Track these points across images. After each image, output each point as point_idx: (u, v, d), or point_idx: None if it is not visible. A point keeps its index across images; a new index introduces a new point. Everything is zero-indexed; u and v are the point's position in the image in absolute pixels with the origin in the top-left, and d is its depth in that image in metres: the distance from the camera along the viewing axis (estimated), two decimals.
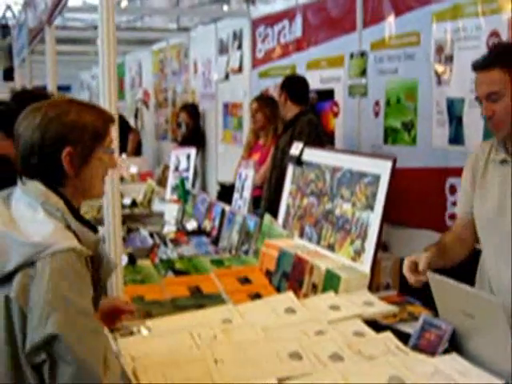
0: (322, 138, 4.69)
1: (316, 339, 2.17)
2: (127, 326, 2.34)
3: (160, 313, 2.62)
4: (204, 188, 8.31)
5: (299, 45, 5.93)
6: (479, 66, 2.45)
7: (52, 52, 4.28)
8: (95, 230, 1.87)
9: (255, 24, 6.82)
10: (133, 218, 4.94)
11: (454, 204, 4.05)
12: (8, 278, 1.65)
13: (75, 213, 1.83)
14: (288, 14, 6.07)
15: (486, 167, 2.58)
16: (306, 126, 4.65)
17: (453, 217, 4.05)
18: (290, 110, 4.83)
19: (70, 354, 1.56)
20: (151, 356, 2.04)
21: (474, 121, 3.88)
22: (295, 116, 4.78)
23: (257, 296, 2.90)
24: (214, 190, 7.64)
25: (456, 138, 4.09)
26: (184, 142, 7.73)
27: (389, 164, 2.78)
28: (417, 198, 4.41)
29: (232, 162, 6.43)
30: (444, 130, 4.19)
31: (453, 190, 4.12)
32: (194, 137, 8.08)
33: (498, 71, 2.37)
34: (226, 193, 5.51)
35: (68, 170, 1.81)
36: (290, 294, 2.67)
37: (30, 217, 1.74)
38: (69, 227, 1.74)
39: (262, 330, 2.24)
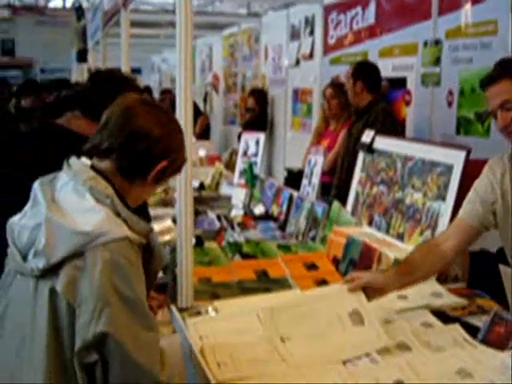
0: (396, 127, 4.64)
1: (384, 328, 2.16)
2: (195, 307, 2.38)
3: (227, 294, 2.65)
4: (270, 174, 8.33)
5: (372, 32, 5.87)
6: (487, 82, 2.53)
7: (127, 35, 4.33)
8: (148, 220, 1.86)
9: (327, 10, 6.78)
10: (201, 200, 4.98)
11: None
12: (54, 270, 1.59)
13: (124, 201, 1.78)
14: (361, 1, 6.01)
15: (503, 177, 2.55)
16: (380, 114, 4.62)
17: None
18: (363, 98, 4.79)
19: (126, 353, 1.53)
20: (218, 336, 2.07)
21: None
22: (368, 104, 4.75)
23: (323, 282, 2.90)
24: (280, 175, 7.64)
25: None
26: (247, 127, 7.73)
27: (462, 154, 2.75)
28: None
29: (300, 148, 6.42)
30: None
31: None
32: (258, 122, 8.06)
33: (507, 81, 2.44)
34: (294, 179, 5.50)
35: (149, 178, 1.81)
36: None
37: (77, 203, 1.68)
38: (118, 215, 1.69)
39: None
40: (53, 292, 1.58)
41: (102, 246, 1.58)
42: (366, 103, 4.76)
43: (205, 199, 5.11)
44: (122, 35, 4.34)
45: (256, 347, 1.97)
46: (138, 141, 1.77)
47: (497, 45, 4.29)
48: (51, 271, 1.59)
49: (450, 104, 4.79)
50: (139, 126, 1.78)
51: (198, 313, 2.34)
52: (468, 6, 4.55)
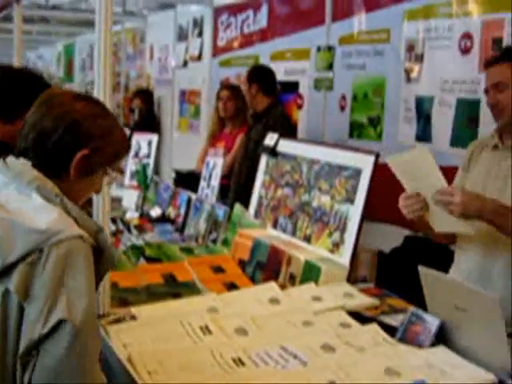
0: (294, 131, 4.71)
1: (304, 330, 2.18)
2: (112, 313, 2.31)
3: (136, 300, 2.59)
4: (157, 175, 8.24)
5: (264, 35, 5.94)
6: (491, 62, 2.71)
7: (19, 30, 4.17)
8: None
9: (217, 12, 6.80)
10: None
11: None
12: (8, 271, 1.51)
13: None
14: (253, 4, 6.06)
15: (480, 154, 2.80)
16: (279, 117, 4.66)
17: None
18: (260, 102, 4.83)
19: (79, 340, 1.46)
20: (143, 344, 2.03)
21: (442, 119, 3.95)
22: (266, 108, 4.79)
23: (232, 285, 2.89)
24: (167, 176, 7.58)
25: (423, 135, 4.16)
26: (136, 128, 7.62)
27: (371, 159, 2.82)
28: (381, 193, 4.45)
29: (187, 149, 6.40)
30: (411, 126, 4.26)
31: None
32: (147, 123, 7.97)
33: (506, 65, 2.63)
34: (183, 180, 5.48)
35: (71, 170, 1.70)
36: (273, 284, 2.68)
37: (25, 203, 1.60)
38: (68, 213, 1.63)
39: (251, 320, 2.24)
40: (6, 294, 1.51)
41: (56, 243, 1.51)
42: (264, 107, 4.80)
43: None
44: (14, 31, 4.17)
45: (184, 355, 1.94)
46: (50, 132, 1.69)
47: (389, 52, 4.45)
48: (5, 273, 1.51)
49: (342, 108, 4.91)
50: (52, 116, 1.70)
51: (117, 320, 2.28)
52: (362, 14, 4.69)
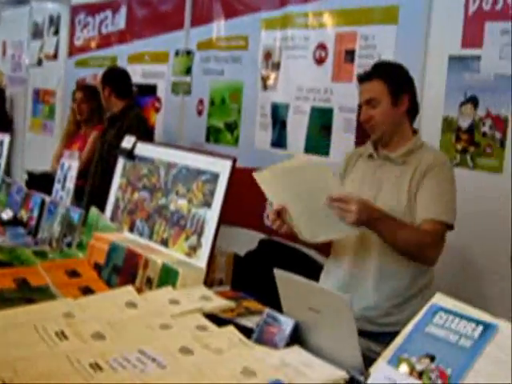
0: (150, 134, 4.69)
1: (162, 333, 2.19)
2: None
3: None
4: (8, 176, 7.94)
5: (122, 37, 5.88)
6: (363, 78, 2.89)
7: None
8: None
9: (74, 11, 6.66)
10: None
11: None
12: None
13: None
14: (112, 5, 5.99)
15: (355, 163, 3.03)
16: (134, 120, 4.63)
17: None
18: (115, 105, 4.78)
19: None
20: None
21: (297, 126, 4.07)
22: (122, 110, 4.74)
23: (88, 290, 2.85)
24: (19, 178, 7.33)
25: (279, 141, 4.27)
26: None
27: (229, 163, 2.86)
28: (238, 198, 4.53)
29: (40, 150, 6.23)
30: (267, 133, 4.36)
31: None
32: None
33: (378, 82, 2.83)
34: (36, 182, 5.32)
35: None
36: (130, 288, 2.66)
37: None
38: None
39: (108, 325, 2.22)
40: None
41: None
42: (119, 109, 4.75)
43: None
44: None
45: (40, 363, 1.90)
46: None
47: (247, 59, 4.53)
48: None
49: (200, 113, 4.95)
50: None
51: None
52: (221, 20, 4.74)
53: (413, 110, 2.97)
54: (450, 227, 2.82)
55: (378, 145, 2.94)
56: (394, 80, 2.86)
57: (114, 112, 4.77)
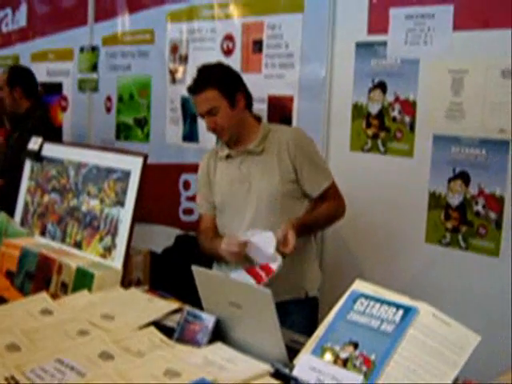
0: (56, 134, 4.55)
1: (81, 339, 2.12)
2: None
3: None
4: None
5: (24, 35, 5.70)
6: (194, 90, 2.96)
7: None
8: None
9: None
10: None
11: (189, 199, 4.19)
12: None
13: None
14: (12, 2, 5.80)
15: (216, 165, 3.13)
16: (39, 121, 4.48)
17: (188, 212, 4.18)
18: (21, 105, 4.61)
19: None
20: None
21: None
22: (27, 111, 4.58)
23: (0, 299, 2.74)
24: None
25: (190, 135, 4.22)
26: None
27: (140, 160, 2.79)
28: (151, 194, 4.46)
29: None
30: (178, 127, 4.31)
31: (187, 185, 4.24)
32: None
33: (211, 91, 2.90)
34: None
35: None
36: (44, 295, 2.57)
37: None
38: None
39: (23, 335, 2.13)
40: None
41: None
42: (24, 110, 4.60)
43: None
44: None
45: None
46: None
47: (154, 53, 4.46)
48: None
49: (108, 110, 4.85)
50: None
51: None
52: (125, 15, 4.65)
53: (248, 103, 3.07)
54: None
55: (231, 145, 3.06)
56: (224, 83, 2.95)
57: (19, 113, 4.61)
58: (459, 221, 3.22)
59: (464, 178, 3.21)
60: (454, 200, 3.23)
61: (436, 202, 3.29)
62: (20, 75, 4.74)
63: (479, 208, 3.14)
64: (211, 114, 2.93)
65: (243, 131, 3.03)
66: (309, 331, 2.04)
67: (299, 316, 2.95)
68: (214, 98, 2.90)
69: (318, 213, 3.03)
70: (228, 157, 3.08)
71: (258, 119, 3.12)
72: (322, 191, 3.03)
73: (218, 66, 3.11)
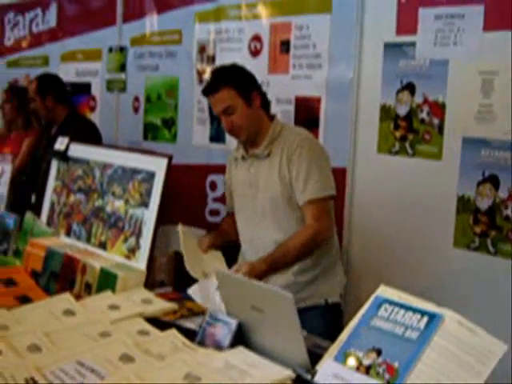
0: (100, 135, 4.56)
1: (102, 341, 2.11)
2: None
3: None
4: None
5: (53, 35, 5.73)
6: (209, 91, 2.95)
7: None
8: None
9: (3, 10, 6.47)
10: None
11: (215, 200, 4.17)
12: None
13: None
14: (42, 3, 5.83)
15: (234, 166, 3.15)
16: (84, 128, 4.47)
17: (214, 213, 4.17)
18: (55, 114, 4.59)
19: None
20: None
21: None
22: (67, 117, 4.57)
23: (25, 298, 2.74)
24: None
25: (217, 135, 4.21)
26: None
27: (164, 161, 2.79)
28: (178, 195, 4.46)
29: None
30: (205, 127, 4.30)
31: (213, 186, 4.24)
32: None
33: (226, 90, 2.88)
34: None
35: None
36: (67, 295, 2.56)
37: None
38: None
39: (45, 336, 2.13)
40: None
41: None
42: (64, 117, 4.58)
43: None
44: None
45: None
46: None
47: (181, 54, 4.46)
48: None
49: (136, 110, 4.86)
50: None
51: None
52: (153, 15, 4.65)
53: (264, 102, 3.06)
54: (332, 197, 2.96)
55: (247, 145, 3.05)
56: (240, 82, 2.93)
57: (59, 120, 4.57)
58: (488, 225, 3.16)
59: (493, 181, 3.15)
60: (483, 204, 3.17)
61: (464, 205, 3.24)
62: (49, 83, 4.71)
63: (509, 212, 3.08)
64: (227, 114, 2.91)
65: (259, 132, 3.00)
66: (330, 338, 2.01)
67: (319, 322, 2.84)
68: (230, 96, 2.88)
69: (286, 247, 2.91)
70: (243, 158, 3.08)
71: (272, 118, 3.08)
72: (305, 203, 2.90)
73: (232, 66, 3.10)
